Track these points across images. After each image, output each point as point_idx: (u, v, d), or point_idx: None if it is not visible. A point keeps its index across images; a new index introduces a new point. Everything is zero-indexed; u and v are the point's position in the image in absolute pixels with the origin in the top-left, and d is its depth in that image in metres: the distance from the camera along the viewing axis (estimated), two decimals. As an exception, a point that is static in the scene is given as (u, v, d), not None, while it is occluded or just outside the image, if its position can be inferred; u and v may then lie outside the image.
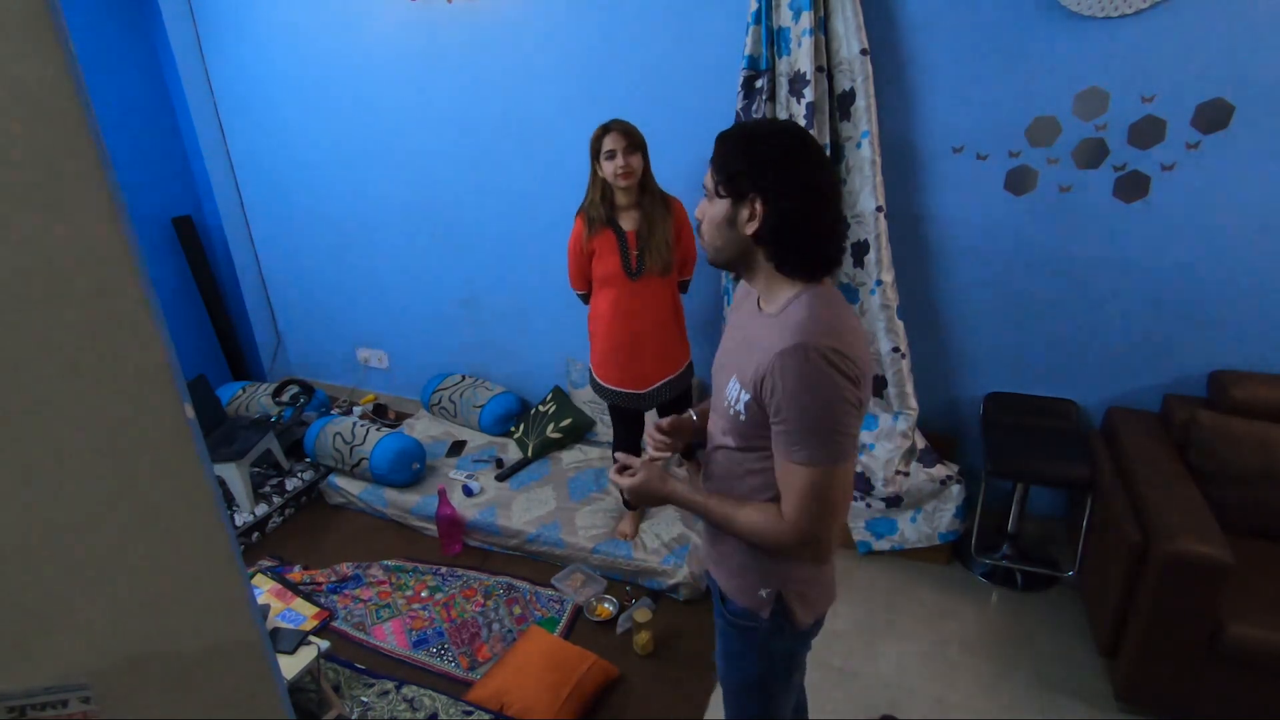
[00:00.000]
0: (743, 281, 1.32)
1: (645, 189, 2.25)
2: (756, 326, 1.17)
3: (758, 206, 1.08)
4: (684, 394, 2.53)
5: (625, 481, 1.28)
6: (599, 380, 2.48)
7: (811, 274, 1.13)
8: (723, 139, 1.14)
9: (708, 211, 1.16)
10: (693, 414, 1.42)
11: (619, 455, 1.34)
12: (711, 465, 1.30)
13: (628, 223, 2.28)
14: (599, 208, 2.26)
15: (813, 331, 1.05)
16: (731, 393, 1.17)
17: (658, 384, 2.43)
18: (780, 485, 1.12)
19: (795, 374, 1.04)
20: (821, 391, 1.03)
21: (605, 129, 2.17)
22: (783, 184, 1.07)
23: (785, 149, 1.08)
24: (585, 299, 2.50)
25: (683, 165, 2.67)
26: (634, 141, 2.17)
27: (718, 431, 1.26)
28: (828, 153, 2.37)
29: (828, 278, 1.15)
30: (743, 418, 1.15)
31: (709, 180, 1.15)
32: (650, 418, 2.71)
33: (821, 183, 1.09)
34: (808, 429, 1.05)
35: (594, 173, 2.24)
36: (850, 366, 1.04)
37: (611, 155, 2.15)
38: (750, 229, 1.10)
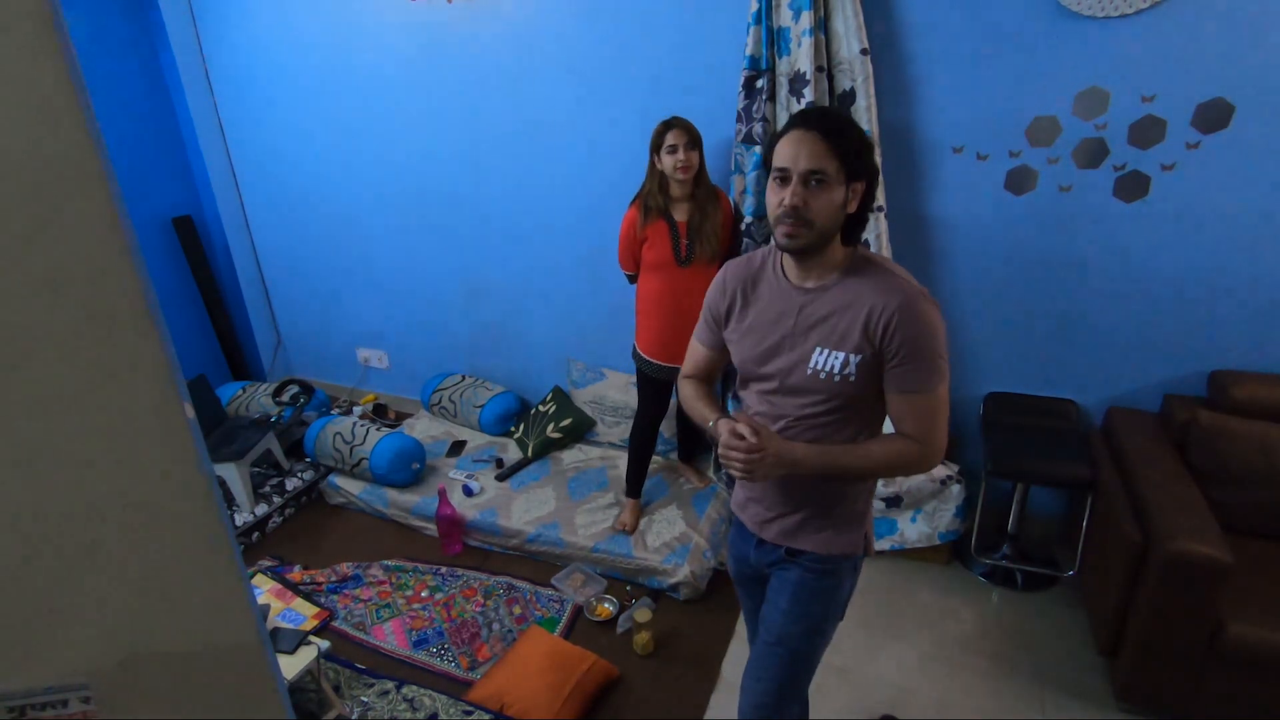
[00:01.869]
0: (732, 266, 1.40)
1: (699, 182, 2.37)
2: (824, 299, 1.27)
3: (859, 187, 1.23)
4: None
5: (746, 455, 1.24)
6: (644, 355, 2.60)
7: (857, 239, 1.30)
8: (834, 123, 1.20)
9: (823, 198, 1.20)
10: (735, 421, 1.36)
11: (736, 422, 1.27)
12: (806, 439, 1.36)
13: (679, 213, 2.40)
14: (657, 197, 2.37)
15: (912, 283, 1.23)
16: (832, 362, 1.26)
17: None
18: (910, 416, 1.26)
19: (920, 319, 1.20)
20: (940, 329, 1.22)
21: (668, 125, 2.29)
22: (872, 164, 1.24)
23: (865, 135, 1.24)
24: (633, 279, 2.62)
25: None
26: (694, 138, 2.30)
27: (804, 405, 1.31)
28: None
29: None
30: (853, 378, 1.25)
31: (831, 165, 1.18)
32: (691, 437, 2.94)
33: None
34: (940, 361, 1.22)
35: (652, 165, 2.35)
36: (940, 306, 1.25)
37: (673, 150, 2.27)
38: (852, 207, 1.24)
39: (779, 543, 1.44)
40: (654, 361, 2.58)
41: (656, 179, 2.36)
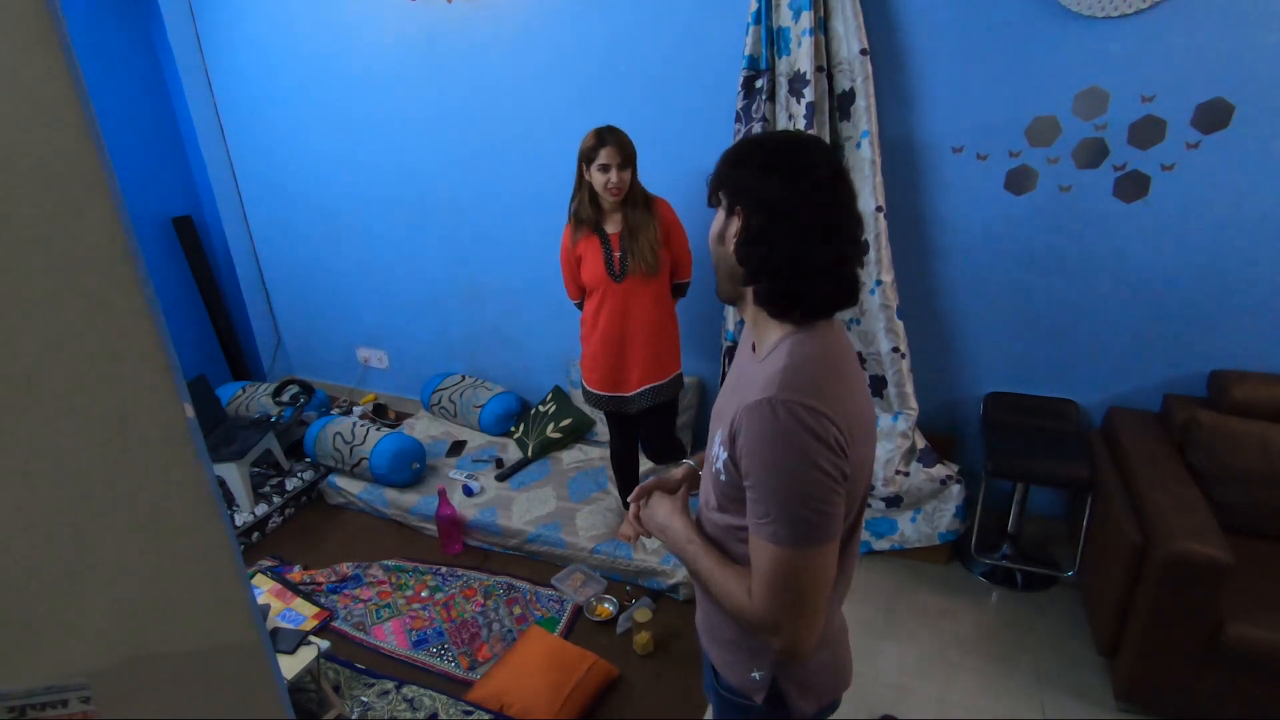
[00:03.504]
0: None
1: (628, 197, 2.22)
2: (747, 371, 1.02)
3: (737, 218, 0.96)
4: (670, 404, 2.48)
5: (637, 512, 1.19)
6: (585, 386, 2.47)
7: (786, 315, 0.96)
8: (733, 149, 1.02)
9: (713, 224, 1.03)
10: (689, 463, 1.27)
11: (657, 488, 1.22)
12: (704, 526, 1.12)
13: (611, 225, 2.27)
14: (588, 209, 2.24)
15: (786, 384, 0.89)
16: (714, 448, 1.02)
17: (641, 389, 2.38)
18: (750, 558, 0.96)
19: (760, 434, 0.89)
20: (789, 457, 0.87)
21: (600, 140, 2.12)
22: (758, 196, 0.92)
23: (773, 156, 0.93)
24: (581, 306, 2.47)
25: (682, 165, 2.66)
26: (627, 156, 2.15)
27: (706, 489, 1.10)
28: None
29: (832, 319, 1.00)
30: (723, 477, 1.00)
31: (712, 190, 1.04)
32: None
33: (808, 204, 0.91)
34: (774, 500, 0.89)
35: (581, 175, 2.21)
36: (826, 429, 0.88)
37: (605, 169, 2.13)
38: (729, 244, 0.97)
39: (700, 639, 1.23)
40: (595, 393, 2.42)
41: (586, 190, 2.22)
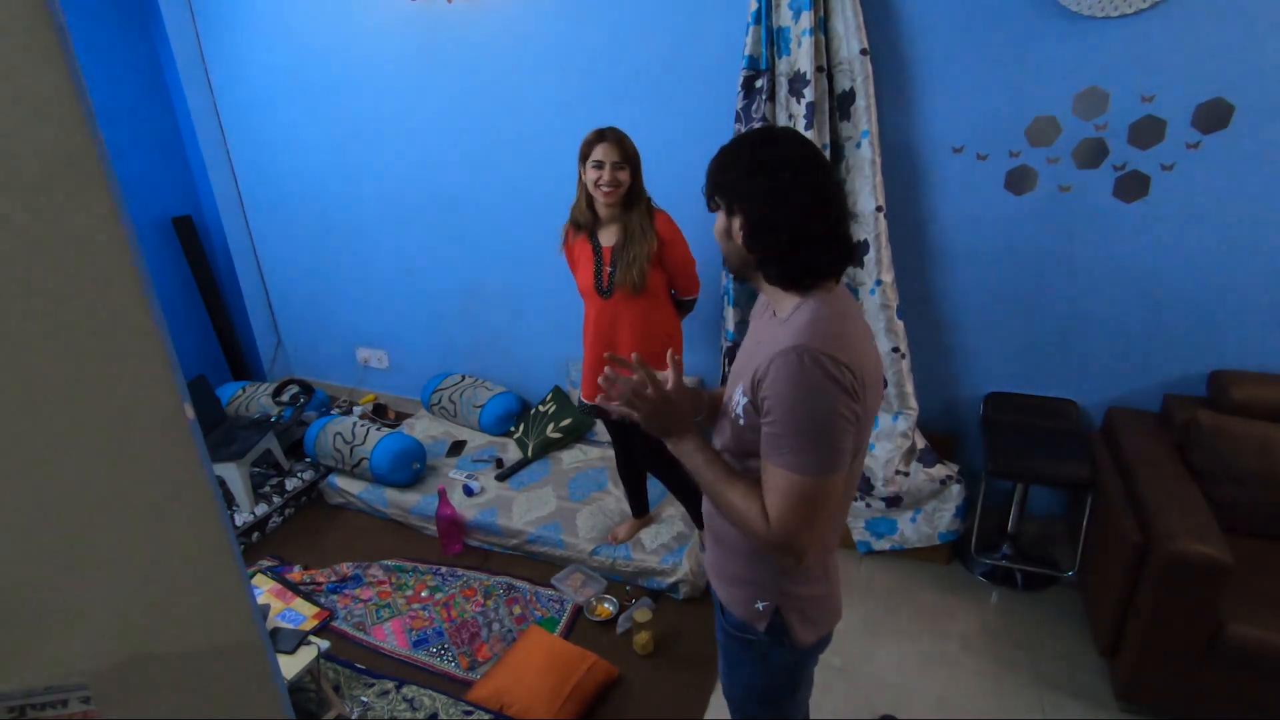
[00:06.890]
0: None
1: (631, 205, 2.13)
2: (767, 332, 1.15)
3: (735, 220, 1.09)
4: None
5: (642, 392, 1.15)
6: (581, 395, 2.46)
7: (798, 285, 1.09)
8: (722, 153, 1.12)
9: (717, 224, 1.16)
10: (703, 393, 1.34)
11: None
12: None
13: (606, 236, 2.18)
14: (585, 213, 2.17)
15: (811, 336, 1.02)
16: (735, 396, 1.15)
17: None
18: (764, 485, 1.08)
19: (787, 378, 1.01)
20: (812, 399, 1.00)
21: (599, 136, 2.06)
22: (752, 194, 1.05)
23: (755, 157, 1.05)
24: None
25: (681, 166, 2.65)
26: (626, 155, 2.06)
27: (723, 437, 1.24)
28: (827, 153, 2.37)
29: (837, 283, 1.13)
30: (742, 421, 1.12)
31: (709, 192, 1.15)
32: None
33: (798, 189, 1.04)
34: (795, 434, 1.02)
35: (580, 176, 2.15)
36: (845, 375, 1.00)
37: (599, 165, 2.05)
38: (740, 238, 1.09)
39: (709, 579, 1.35)
40: (585, 403, 2.41)
41: (583, 191, 2.15)
